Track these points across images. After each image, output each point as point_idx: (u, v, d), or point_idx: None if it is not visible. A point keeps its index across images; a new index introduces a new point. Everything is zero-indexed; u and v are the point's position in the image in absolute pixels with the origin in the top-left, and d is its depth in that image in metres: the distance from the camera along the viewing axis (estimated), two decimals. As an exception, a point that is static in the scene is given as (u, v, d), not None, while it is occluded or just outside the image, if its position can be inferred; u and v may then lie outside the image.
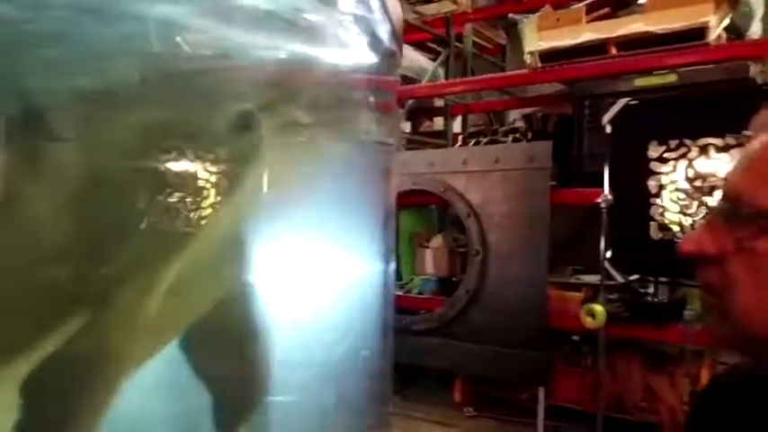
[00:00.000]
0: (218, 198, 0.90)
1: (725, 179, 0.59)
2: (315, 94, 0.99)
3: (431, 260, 4.26)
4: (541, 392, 3.51)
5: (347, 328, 1.33)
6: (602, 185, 3.11)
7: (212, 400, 0.99)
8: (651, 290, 3.64)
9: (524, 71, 4.04)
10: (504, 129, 4.38)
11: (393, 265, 1.51)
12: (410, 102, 4.82)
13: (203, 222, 0.88)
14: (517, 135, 4.21)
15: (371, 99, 1.31)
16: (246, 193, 0.94)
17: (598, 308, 2.93)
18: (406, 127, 5.34)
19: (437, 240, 4.31)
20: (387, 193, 1.51)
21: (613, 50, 3.49)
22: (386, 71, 1.38)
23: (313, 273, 1.08)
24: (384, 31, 1.20)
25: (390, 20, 1.21)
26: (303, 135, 0.98)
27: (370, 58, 1.20)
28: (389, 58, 1.28)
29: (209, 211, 0.88)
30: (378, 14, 1.18)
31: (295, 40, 0.95)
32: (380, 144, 1.45)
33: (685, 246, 0.58)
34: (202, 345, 0.98)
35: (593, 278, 3.49)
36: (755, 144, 0.56)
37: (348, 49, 1.09)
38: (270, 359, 1.07)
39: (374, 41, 1.18)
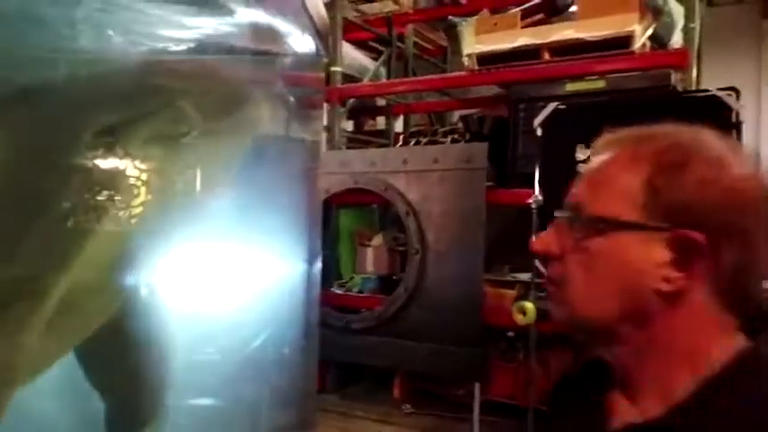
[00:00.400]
0: (97, 214, 0.85)
1: (570, 192, 0.68)
2: (214, 93, 0.94)
3: (371, 259, 4.28)
4: (477, 388, 3.59)
5: (265, 327, 1.32)
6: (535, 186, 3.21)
7: (106, 409, 0.96)
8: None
9: (463, 73, 4.12)
10: (443, 129, 4.45)
11: (319, 265, 1.50)
12: (352, 100, 4.82)
13: (86, 238, 0.84)
14: (456, 136, 4.28)
15: (290, 97, 1.31)
16: (130, 207, 0.89)
17: (529, 305, 3.02)
18: (349, 126, 5.35)
19: (377, 239, 4.34)
20: (311, 192, 1.50)
21: (547, 55, 3.61)
22: (307, 68, 1.38)
23: (225, 275, 1.06)
24: (302, 28, 1.19)
25: (311, 16, 1.20)
26: (200, 137, 0.93)
27: (285, 56, 1.19)
28: (310, 55, 1.28)
29: (92, 225, 0.84)
30: (296, 11, 1.17)
31: (184, 36, 0.90)
32: (301, 142, 1.44)
33: (535, 245, 0.69)
34: (94, 354, 0.94)
35: (527, 276, 3.59)
36: (594, 163, 0.68)
37: (258, 44, 1.06)
38: (165, 367, 1.04)
39: (291, 38, 1.18)
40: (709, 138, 0.64)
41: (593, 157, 0.69)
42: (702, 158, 0.61)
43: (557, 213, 0.69)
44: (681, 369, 0.61)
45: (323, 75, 1.57)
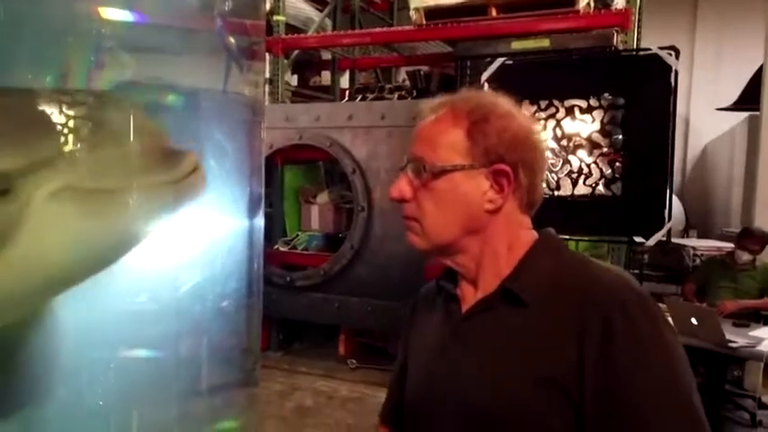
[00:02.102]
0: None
1: (409, 149, 0.87)
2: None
3: (317, 216, 4.24)
4: (421, 342, 3.67)
5: (205, 282, 1.28)
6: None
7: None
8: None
9: (409, 28, 4.04)
10: (390, 86, 4.39)
11: (261, 221, 1.46)
12: (296, 53, 4.67)
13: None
14: (403, 92, 4.24)
15: (230, 44, 1.23)
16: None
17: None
18: (293, 80, 5.20)
19: (323, 196, 4.29)
20: (252, 147, 1.44)
21: (494, 12, 3.58)
22: (245, 14, 1.30)
23: (164, 228, 1.00)
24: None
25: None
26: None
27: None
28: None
29: None
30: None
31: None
32: (241, 93, 1.37)
33: (392, 193, 0.87)
34: None
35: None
36: (424, 123, 0.86)
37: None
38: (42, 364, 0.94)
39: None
40: (499, 98, 0.86)
41: (420, 119, 0.88)
42: (496, 113, 0.83)
43: (401, 167, 0.87)
44: (505, 257, 0.86)
45: (263, 22, 1.49)
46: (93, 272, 0.82)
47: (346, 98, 4.72)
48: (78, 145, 0.73)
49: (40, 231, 0.71)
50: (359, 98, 4.24)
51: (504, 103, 0.86)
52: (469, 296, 0.88)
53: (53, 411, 1.02)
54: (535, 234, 0.89)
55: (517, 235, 0.86)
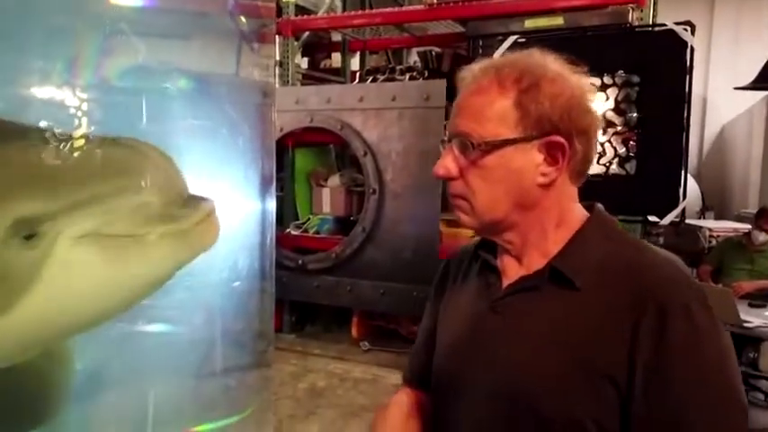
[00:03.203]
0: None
1: (452, 122, 0.82)
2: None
3: (328, 199, 4.24)
4: (433, 324, 3.68)
5: (219, 265, 1.29)
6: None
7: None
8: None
9: (420, 7, 3.99)
10: (401, 67, 4.35)
11: (273, 205, 1.46)
12: (306, 34, 4.64)
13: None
14: (414, 73, 4.20)
15: (240, 28, 1.22)
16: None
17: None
18: (303, 63, 5.17)
19: (334, 179, 4.29)
20: (263, 130, 1.44)
21: (506, -10, 3.52)
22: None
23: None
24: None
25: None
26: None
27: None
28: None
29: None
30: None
31: None
32: (249, 78, 1.36)
33: (438, 171, 0.82)
34: None
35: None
36: (467, 95, 0.80)
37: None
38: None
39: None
40: (547, 59, 0.80)
41: (462, 88, 0.82)
42: (548, 78, 0.77)
43: (445, 142, 0.82)
44: (553, 233, 0.82)
45: (273, 3, 1.47)
46: (113, 315, 0.82)
47: (357, 80, 4.69)
48: (100, 190, 0.74)
49: (63, 277, 0.72)
50: (369, 80, 4.21)
51: (554, 63, 0.79)
52: (511, 271, 0.84)
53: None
54: (584, 210, 0.84)
55: (567, 210, 0.82)
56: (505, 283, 0.84)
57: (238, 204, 1.36)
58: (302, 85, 4.53)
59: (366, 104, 3.83)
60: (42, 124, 0.79)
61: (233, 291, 1.38)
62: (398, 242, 3.71)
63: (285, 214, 4.28)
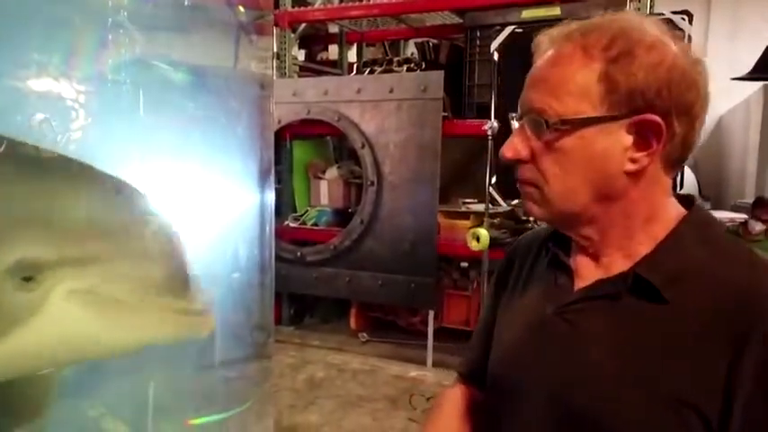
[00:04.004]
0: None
1: (524, 96, 0.70)
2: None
3: (326, 192, 4.24)
4: (431, 315, 3.70)
5: (217, 257, 1.29)
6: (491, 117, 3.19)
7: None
8: (531, 217, 3.88)
9: (418, -2, 3.97)
10: (398, 59, 4.33)
11: (272, 197, 1.46)
12: (303, 26, 4.62)
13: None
14: (411, 65, 4.18)
15: (237, 19, 1.22)
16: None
17: (483, 231, 3.08)
18: (300, 55, 5.14)
19: (332, 171, 4.28)
20: (261, 122, 1.44)
21: (504, -20, 3.51)
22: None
23: (178, 206, 1.00)
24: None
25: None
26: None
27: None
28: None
29: None
30: None
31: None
32: (246, 69, 1.36)
33: (506, 152, 0.71)
34: None
35: (481, 207, 3.65)
36: (545, 62, 0.69)
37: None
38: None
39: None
40: (644, 22, 0.67)
41: (539, 55, 0.70)
42: (644, 44, 0.64)
43: (516, 119, 0.71)
44: (641, 232, 0.69)
45: (271, -6, 1.47)
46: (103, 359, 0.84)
47: (354, 72, 4.67)
48: (107, 250, 0.74)
49: (53, 325, 0.72)
50: (367, 72, 4.19)
51: (652, 27, 0.66)
52: (586, 271, 0.73)
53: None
54: (679, 206, 0.71)
55: (659, 205, 0.69)
56: (578, 285, 0.73)
57: (238, 196, 1.37)
58: (299, 77, 4.52)
59: (363, 96, 3.82)
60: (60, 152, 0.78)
61: (233, 282, 1.38)
62: (396, 234, 3.72)
63: (283, 206, 4.28)
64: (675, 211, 0.71)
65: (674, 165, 0.69)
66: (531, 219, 3.86)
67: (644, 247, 0.68)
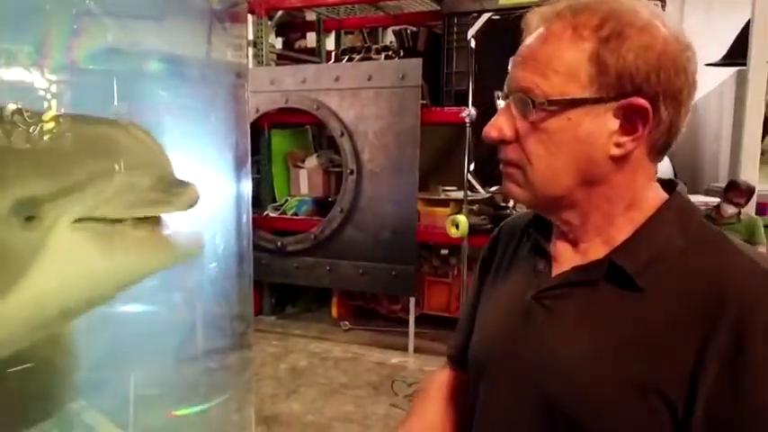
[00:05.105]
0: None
1: (511, 75, 0.69)
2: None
3: (306, 181, 4.23)
4: (412, 302, 3.73)
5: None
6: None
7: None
8: (511, 203, 3.92)
9: (395, -15, 3.95)
10: (377, 46, 4.31)
11: (249, 187, 1.46)
12: (280, 13, 4.57)
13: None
14: (390, 53, 4.17)
15: (212, 7, 1.20)
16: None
17: (461, 218, 3.10)
18: (278, 44, 5.09)
19: (312, 160, 4.27)
20: (236, 110, 1.43)
21: (481, -33, 3.50)
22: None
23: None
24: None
25: None
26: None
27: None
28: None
29: None
30: None
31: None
32: (220, 57, 1.34)
33: (489, 133, 0.69)
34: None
35: (460, 194, 3.67)
36: (534, 41, 0.67)
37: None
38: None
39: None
40: (635, 4, 0.66)
41: (528, 33, 0.68)
42: (636, 27, 0.63)
43: (502, 98, 0.69)
44: (621, 217, 0.69)
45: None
46: (107, 300, 0.83)
47: (332, 60, 4.64)
48: (97, 173, 0.74)
49: (61, 260, 0.72)
50: (345, 59, 4.17)
51: (643, 10, 0.65)
52: (564, 257, 0.73)
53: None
54: (662, 192, 0.70)
55: (642, 191, 0.69)
56: (556, 270, 0.73)
57: (213, 186, 1.36)
58: (277, 65, 4.48)
59: (342, 84, 3.80)
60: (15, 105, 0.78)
61: (211, 273, 1.37)
62: (377, 222, 3.73)
63: (263, 196, 4.25)
64: (657, 197, 0.70)
65: (659, 151, 0.68)
66: (510, 205, 3.89)
67: (622, 234, 0.68)
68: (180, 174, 0.82)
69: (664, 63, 0.62)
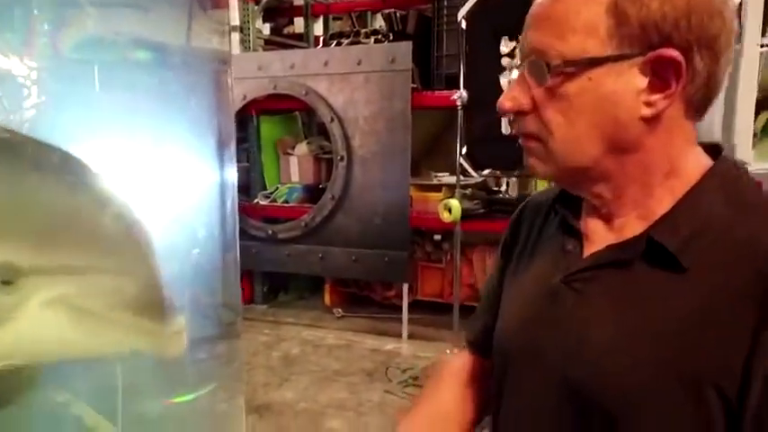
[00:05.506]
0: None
1: (524, 39, 0.63)
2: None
3: (296, 168, 4.18)
4: (405, 289, 3.71)
5: (175, 236, 1.25)
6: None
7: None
8: (503, 187, 3.90)
9: (384, -33, 3.88)
10: (365, 30, 4.24)
11: (234, 175, 1.43)
12: (266, -1, 4.49)
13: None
14: (379, 37, 4.11)
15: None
16: None
17: (454, 202, 3.07)
18: (266, 29, 5.01)
19: (302, 147, 4.22)
20: (218, 96, 1.39)
21: (470, -53, 3.44)
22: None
23: (132, 186, 0.97)
24: None
25: None
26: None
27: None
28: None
29: None
30: None
31: None
32: (202, 42, 1.30)
33: (503, 104, 0.63)
34: None
35: (452, 179, 3.63)
36: (539, 1, 0.62)
37: None
38: None
39: None
40: None
41: None
42: None
43: (515, 66, 0.65)
44: (659, 187, 0.62)
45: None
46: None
47: (321, 45, 4.57)
48: (88, 262, 0.74)
49: (27, 330, 0.72)
50: (334, 44, 4.11)
51: None
52: (597, 235, 0.66)
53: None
54: (705, 157, 0.63)
55: (681, 155, 0.61)
56: (588, 250, 0.66)
57: (197, 172, 1.32)
58: (264, 51, 4.41)
59: (331, 69, 3.74)
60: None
61: (194, 260, 1.34)
62: (369, 208, 3.70)
63: (253, 184, 4.21)
64: (700, 163, 0.62)
65: (697, 108, 0.60)
66: (503, 189, 3.87)
67: (662, 206, 0.61)
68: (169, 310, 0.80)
69: (695, 6, 0.55)
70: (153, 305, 0.77)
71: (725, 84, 0.61)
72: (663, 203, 0.61)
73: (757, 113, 4.97)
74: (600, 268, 0.63)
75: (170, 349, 0.80)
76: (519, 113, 0.63)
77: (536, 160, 0.65)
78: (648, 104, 0.58)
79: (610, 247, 0.63)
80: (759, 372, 0.53)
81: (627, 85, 0.58)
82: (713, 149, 0.64)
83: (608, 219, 0.66)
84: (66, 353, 0.79)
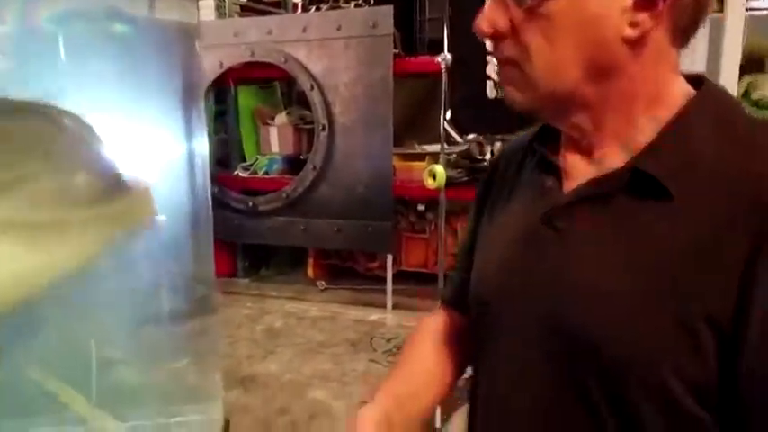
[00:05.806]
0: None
1: None
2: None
3: (276, 138, 4.09)
4: (389, 259, 3.68)
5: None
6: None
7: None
8: (488, 156, 3.85)
9: (363, -73, 3.74)
10: (345, -6, 4.12)
11: (205, 146, 1.37)
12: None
13: None
14: (359, 1, 3.99)
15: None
16: None
17: (439, 168, 3.01)
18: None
19: (281, 117, 4.12)
20: (186, 68, 1.32)
21: None
22: None
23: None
24: None
25: None
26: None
27: None
28: None
29: None
30: None
31: None
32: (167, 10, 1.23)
33: (481, 26, 0.59)
34: None
35: (437, 147, 3.57)
36: None
37: None
38: None
39: None
40: None
41: None
42: None
43: None
44: (642, 116, 0.59)
45: None
46: (37, 297, 0.78)
47: (299, 11, 4.43)
48: (25, 171, 0.67)
49: None
50: (313, 9, 3.98)
51: None
52: (577, 169, 0.63)
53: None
54: (687, 85, 0.60)
55: (665, 82, 0.59)
56: (568, 186, 0.63)
57: (163, 142, 1.26)
58: (240, 17, 4.27)
59: (310, 35, 3.63)
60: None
61: (163, 234, 1.29)
62: (351, 178, 3.63)
63: (231, 156, 4.12)
64: (683, 90, 0.59)
65: (683, 32, 0.57)
66: (487, 157, 3.82)
67: (645, 136, 0.58)
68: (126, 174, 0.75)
69: None
70: (107, 187, 0.73)
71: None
72: (646, 133, 0.58)
73: (740, 78, 4.94)
74: (581, 203, 0.61)
75: (141, 218, 0.78)
76: (496, 37, 0.59)
77: (514, 90, 0.61)
78: (633, 24, 0.55)
79: (592, 181, 0.61)
80: (755, 303, 0.50)
81: (611, 2, 0.54)
82: (696, 81, 0.61)
83: (588, 152, 0.63)
84: (26, 285, 0.73)
